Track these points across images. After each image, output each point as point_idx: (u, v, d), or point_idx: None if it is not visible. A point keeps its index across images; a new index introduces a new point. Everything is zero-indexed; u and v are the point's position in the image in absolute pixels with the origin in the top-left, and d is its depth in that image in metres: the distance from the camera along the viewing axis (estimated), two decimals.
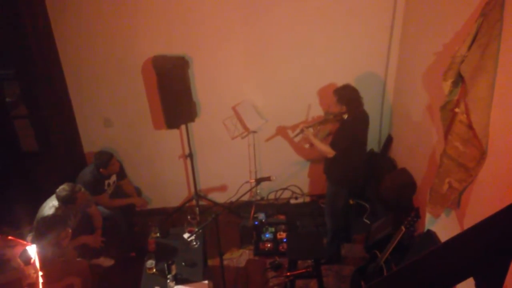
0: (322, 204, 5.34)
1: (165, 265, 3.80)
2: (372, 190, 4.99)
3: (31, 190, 4.89)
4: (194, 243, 4.19)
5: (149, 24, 4.49)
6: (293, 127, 5.02)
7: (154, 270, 3.92)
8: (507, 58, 2.72)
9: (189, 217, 4.49)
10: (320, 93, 4.90)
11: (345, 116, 4.06)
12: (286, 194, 5.61)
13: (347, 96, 4.01)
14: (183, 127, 4.92)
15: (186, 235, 4.18)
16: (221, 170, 5.38)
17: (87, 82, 4.77)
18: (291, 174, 5.45)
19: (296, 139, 4.59)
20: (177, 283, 3.79)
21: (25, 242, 3.44)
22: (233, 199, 4.93)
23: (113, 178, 4.82)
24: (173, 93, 4.45)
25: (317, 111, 4.98)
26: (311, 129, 4.25)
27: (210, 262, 4.61)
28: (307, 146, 5.16)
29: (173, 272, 3.82)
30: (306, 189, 5.61)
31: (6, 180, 4.91)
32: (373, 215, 5.01)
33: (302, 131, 4.24)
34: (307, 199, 5.59)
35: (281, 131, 5.14)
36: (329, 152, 4.09)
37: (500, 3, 2.70)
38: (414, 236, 4.01)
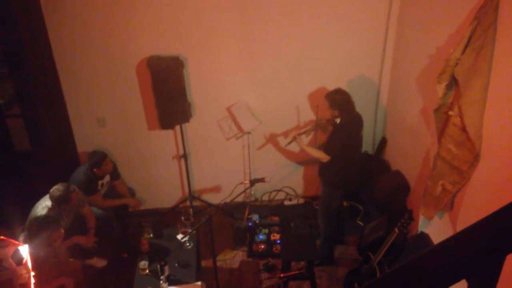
0: (316, 206, 5.35)
1: (158, 266, 3.79)
2: (365, 192, 5.00)
3: (24, 189, 4.86)
4: (188, 244, 4.18)
5: (144, 24, 4.48)
6: (285, 133, 5.03)
7: (147, 271, 3.90)
8: (500, 61, 2.74)
9: (182, 218, 4.48)
10: (315, 96, 4.91)
11: (338, 120, 4.06)
12: (280, 196, 5.62)
13: (339, 100, 4.02)
14: (177, 127, 4.91)
15: (179, 236, 4.17)
16: (215, 171, 5.38)
17: (81, 82, 4.76)
18: (285, 176, 5.46)
19: (289, 147, 4.58)
20: (170, 284, 3.78)
21: (17, 242, 3.42)
22: (227, 200, 4.92)
23: (107, 178, 4.80)
24: (167, 93, 4.45)
25: (310, 115, 4.99)
26: (303, 136, 4.25)
27: (203, 263, 4.61)
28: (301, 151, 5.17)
29: (166, 273, 3.80)
30: (300, 191, 5.62)
31: None
32: (367, 217, 5.03)
33: (294, 139, 4.23)
34: (301, 200, 5.59)
35: (272, 139, 5.14)
36: (323, 157, 4.09)
37: (493, 7, 2.72)
38: (407, 238, 4.03)
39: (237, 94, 4.91)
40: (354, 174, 4.32)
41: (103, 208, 4.70)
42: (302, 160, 5.35)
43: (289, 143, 4.32)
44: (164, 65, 4.39)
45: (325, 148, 4.15)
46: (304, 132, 4.25)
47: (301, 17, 4.54)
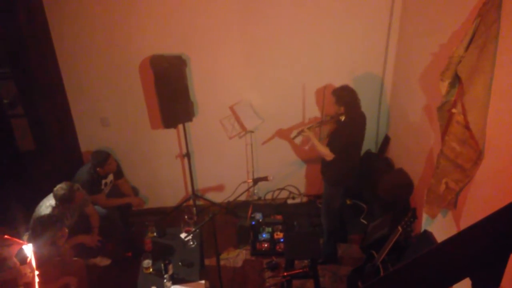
0: (319, 204, 5.34)
1: (162, 264, 3.80)
2: (369, 190, 4.99)
3: (28, 189, 4.87)
4: (191, 243, 4.18)
5: (147, 23, 4.48)
6: (291, 129, 5.02)
7: (151, 269, 3.91)
8: (504, 58, 2.72)
9: (186, 216, 4.48)
10: (317, 94, 4.90)
11: (342, 118, 4.05)
12: (283, 194, 5.62)
13: (346, 97, 4.00)
14: (180, 126, 4.91)
15: (183, 235, 4.17)
16: (218, 169, 5.38)
17: (84, 81, 4.77)
18: (288, 174, 5.45)
19: (296, 140, 4.61)
20: (173, 283, 3.79)
21: (21, 241, 3.42)
22: (230, 199, 4.91)
23: (110, 177, 4.81)
24: (170, 92, 4.45)
25: (314, 112, 4.99)
26: (310, 131, 4.25)
27: (207, 262, 4.61)
28: (307, 147, 5.18)
29: (170, 272, 3.81)
30: (303, 189, 5.62)
31: (3, 179, 4.90)
32: (370, 215, 5.02)
33: (302, 131, 4.23)
34: (304, 199, 5.59)
35: (281, 133, 5.13)
36: (328, 155, 4.08)
37: (496, 4, 2.71)
38: (411, 237, 4.02)
39: (240, 92, 4.91)
40: (355, 172, 4.31)
41: (107, 207, 4.71)
42: (306, 157, 5.35)
43: (296, 136, 4.33)
44: (167, 64, 4.39)
45: (328, 144, 4.14)
46: (308, 128, 4.25)
47: (304, 15, 4.52)
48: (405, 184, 4.36)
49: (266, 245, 4.87)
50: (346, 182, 4.33)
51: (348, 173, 4.24)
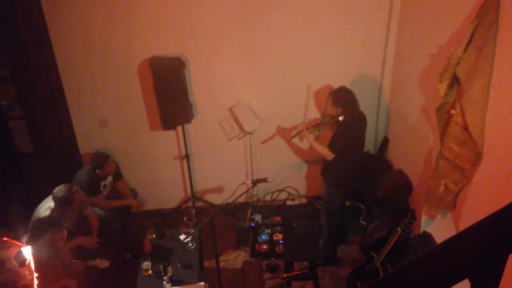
0: (319, 206, 5.34)
1: (161, 266, 3.79)
2: (368, 192, 4.99)
3: (27, 191, 4.87)
4: (190, 244, 4.18)
5: (146, 25, 4.49)
6: (291, 129, 5.03)
7: (150, 271, 3.90)
8: (502, 60, 2.73)
9: (185, 218, 4.48)
10: (317, 95, 4.91)
11: (341, 118, 4.06)
12: (283, 196, 5.61)
13: (343, 98, 4.01)
14: (179, 128, 4.91)
15: (182, 237, 4.17)
16: (217, 171, 5.38)
17: (83, 83, 4.76)
18: (287, 176, 5.45)
19: (294, 140, 4.62)
20: (173, 285, 3.78)
21: (20, 244, 3.42)
22: (230, 201, 4.93)
23: (109, 179, 4.80)
24: (169, 94, 4.45)
25: (314, 113, 4.99)
26: (308, 131, 4.26)
27: (206, 264, 4.60)
28: (303, 145, 5.18)
29: (169, 273, 3.81)
30: (302, 191, 5.61)
31: (1, 181, 4.89)
32: (369, 217, 5.02)
33: (300, 131, 4.24)
34: (304, 200, 5.59)
35: (281, 131, 5.14)
36: (328, 155, 4.09)
37: (495, 5, 2.71)
38: (410, 238, 4.02)
39: (238, 94, 4.91)
40: (356, 173, 4.31)
41: (106, 209, 4.70)
42: (305, 159, 5.34)
43: (294, 136, 4.34)
44: (166, 65, 4.39)
45: (328, 145, 4.15)
46: (307, 128, 4.25)
47: (302, 16, 4.53)
48: (404, 185, 4.36)
49: (265, 247, 4.87)
50: (347, 184, 4.32)
51: (349, 175, 4.23)
